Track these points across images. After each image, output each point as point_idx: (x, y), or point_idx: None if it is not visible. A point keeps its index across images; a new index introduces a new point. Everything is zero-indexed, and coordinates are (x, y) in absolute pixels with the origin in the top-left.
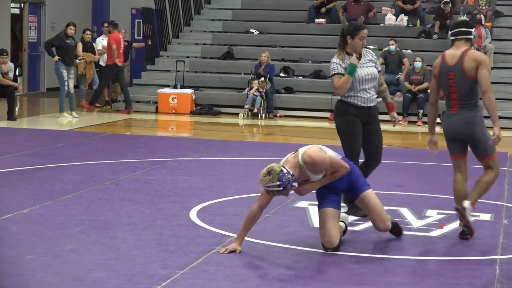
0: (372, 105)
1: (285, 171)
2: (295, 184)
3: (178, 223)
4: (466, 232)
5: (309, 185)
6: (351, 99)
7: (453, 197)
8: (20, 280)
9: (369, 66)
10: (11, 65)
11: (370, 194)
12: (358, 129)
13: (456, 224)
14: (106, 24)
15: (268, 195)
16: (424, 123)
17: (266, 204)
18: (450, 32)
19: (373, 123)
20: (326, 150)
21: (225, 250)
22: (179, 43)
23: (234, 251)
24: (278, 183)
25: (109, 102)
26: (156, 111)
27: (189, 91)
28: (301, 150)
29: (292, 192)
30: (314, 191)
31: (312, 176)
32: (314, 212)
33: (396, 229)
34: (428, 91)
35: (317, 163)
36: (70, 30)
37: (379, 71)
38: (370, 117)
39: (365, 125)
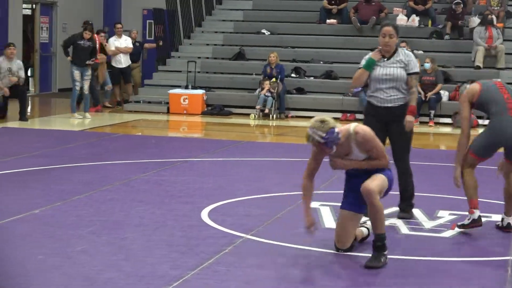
0: (390, 105)
1: (336, 130)
2: (335, 148)
3: (189, 224)
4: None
5: (347, 161)
6: (370, 98)
7: (465, 198)
8: (30, 280)
9: (393, 67)
10: (20, 63)
11: (379, 175)
12: (376, 131)
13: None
14: (119, 25)
15: (308, 141)
16: (436, 123)
17: (314, 170)
18: None
19: (393, 125)
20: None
21: (310, 227)
22: (190, 44)
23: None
24: (324, 135)
25: (120, 103)
26: (168, 112)
27: (200, 91)
28: (354, 124)
29: (326, 160)
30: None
31: (354, 150)
32: (325, 213)
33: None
34: (441, 92)
35: (367, 138)
36: (86, 35)
37: (411, 73)
38: (390, 118)
39: (387, 126)
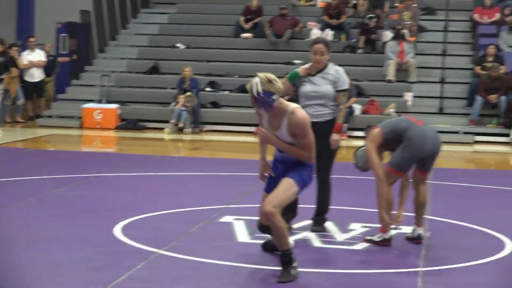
0: (317, 120)
1: (275, 97)
2: (265, 112)
3: (102, 239)
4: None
5: (274, 138)
6: None
7: (376, 210)
8: None
9: (321, 84)
10: None
11: (285, 181)
12: None
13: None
14: (32, 39)
15: (247, 88)
16: (349, 137)
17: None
18: None
19: (320, 140)
20: None
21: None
22: (104, 58)
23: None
24: (261, 92)
25: (33, 118)
26: (81, 127)
27: (114, 106)
28: (298, 106)
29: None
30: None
31: (283, 128)
32: (239, 227)
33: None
34: (353, 105)
35: (300, 123)
36: None
37: (339, 90)
38: (317, 133)
39: (316, 139)
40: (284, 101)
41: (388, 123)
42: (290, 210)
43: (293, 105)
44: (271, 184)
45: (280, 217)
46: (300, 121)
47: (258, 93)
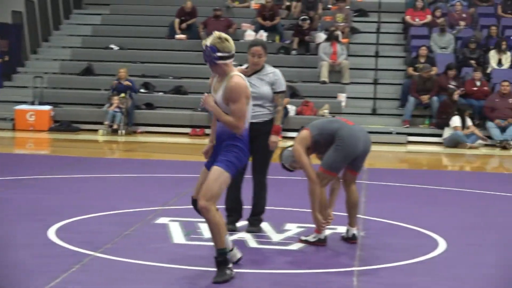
0: (255, 121)
1: (220, 54)
2: (210, 66)
3: (36, 243)
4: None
5: (213, 103)
6: None
7: (310, 210)
8: None
9: (257, 85)
10: None
11: (213, 170)
12: None
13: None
14: None
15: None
16: (283, 137)
17: None
18: None
19: (257, 140)
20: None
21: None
22: (37, 59)
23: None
24: (208, 44)
25: None
26: (13, 128)
27: (47, 107)
28: (240, 74)
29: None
30: None
31: (220, 92)
32: (175, 228)
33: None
34: (288, 106)
35: (235, 89)
36: None
37: (277, 92)
38: (254, 133)
39: (252, 141)
40: (231, 66)
41: (318, 125)
42: (235, 212)
43: (236, 72)
44: (210, 162)
45: (216, 212)
46: (234, 86)
47: (206, 45)
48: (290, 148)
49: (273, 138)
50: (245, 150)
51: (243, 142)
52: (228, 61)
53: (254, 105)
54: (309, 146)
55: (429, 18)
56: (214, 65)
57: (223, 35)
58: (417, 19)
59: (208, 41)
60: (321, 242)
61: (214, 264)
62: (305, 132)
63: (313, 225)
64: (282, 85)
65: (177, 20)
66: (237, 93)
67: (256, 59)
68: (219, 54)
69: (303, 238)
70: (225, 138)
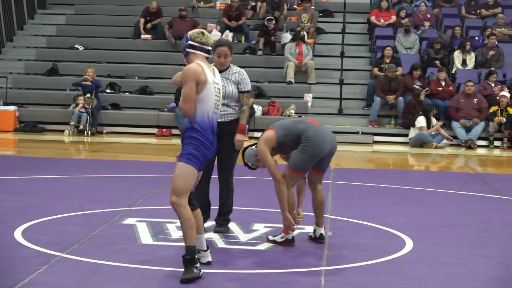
0: (221, 120)
1: (191, 43)
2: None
3: (2, 244)
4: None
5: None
6: None
7: (279, 210)
8: None
9: (224, 84)
10: None
11: (176, 166)
12: None
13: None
14: None
15: None
16: (250, 137)
17: None
18: None
19: (223, 139)
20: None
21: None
22: (1, 59)
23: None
24: (188, 37)
25: None
26: None
27: (12, 108)
28: (203, 64)
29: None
30: None
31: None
32: (142, 229)
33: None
34: (254, 106)
35: (184, 71)
36: None
37: (243, 91)
38: (220, 132)
39: (220, 139)
40: (200, 56)
41: (283, 125)
42: (202, 212)
43: (198, 61)
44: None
45: (187, 208)
46: (184, 69)
47: (185, 36)
48: (253, 147)
49: (238, 137)
50: (206, 143)
51: (201, 134)
52: (197, 52)
53: (221, 104)
54: (274, 147)
55: (393, 18)
56: (185, 54)
57: (206, 31)
58: (382, 20)
59: (187, 34)
60: (289, 242)
61: (180, 265)
62: (270, 132)
63: (281, 225)
64: (248, 85)
65: (142, 20)
66: (185, 75)
67: (222, 60)
68: (190, 42)
69: (271, 238)
70: (185, 131)
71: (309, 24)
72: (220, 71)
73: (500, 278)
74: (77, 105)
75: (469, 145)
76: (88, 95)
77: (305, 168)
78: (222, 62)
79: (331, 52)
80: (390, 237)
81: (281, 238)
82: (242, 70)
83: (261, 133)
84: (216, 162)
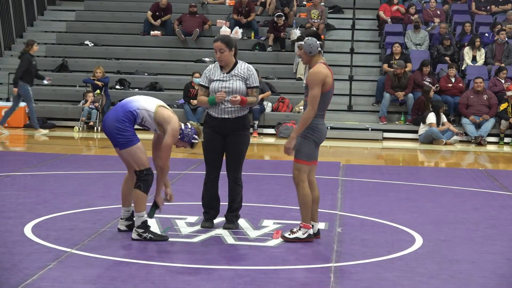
0: (228, 117)
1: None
2: None
3: (12, 239)
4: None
5: None
6: (209, 110)
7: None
8: None
9: (232, 80)
10: None
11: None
12: (211, 141)
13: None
14: None
15: None
16: (259, 134)
17: None
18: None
19: (230, 136)
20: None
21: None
22: (11, 55)
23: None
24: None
25: None
26: None
27: (22, 104)
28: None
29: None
30: None
31: None
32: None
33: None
34: (264, 103)
35: None
36: None
37: (251, 87)
38: (227, 129)
39: (225, 137)
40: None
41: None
42: (212, 208)
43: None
44: None
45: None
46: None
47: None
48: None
49: (234, 97)
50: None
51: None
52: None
53: (228, 100)
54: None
55: (402, 10)
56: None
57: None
58: (393, 9)
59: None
60: (311, 238)
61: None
62: (329, 74)
63: (290, 222)
64: (256, 81)
65: (149, 13)
66: None
67: (218, 55)
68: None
69: (288, 235)
70: None
71: (318, 20)
72: (229, 71)
73: (508, 275)
74: (86, 101)
75: (479, 142)
76: (98, 91)
77: (315, 155)
78: (218, 57)
79: (341, 48)
80: (399, 233)
81: (303, 234)
82: (250, 66)
83: (271, 129)
84: (224, 158)
